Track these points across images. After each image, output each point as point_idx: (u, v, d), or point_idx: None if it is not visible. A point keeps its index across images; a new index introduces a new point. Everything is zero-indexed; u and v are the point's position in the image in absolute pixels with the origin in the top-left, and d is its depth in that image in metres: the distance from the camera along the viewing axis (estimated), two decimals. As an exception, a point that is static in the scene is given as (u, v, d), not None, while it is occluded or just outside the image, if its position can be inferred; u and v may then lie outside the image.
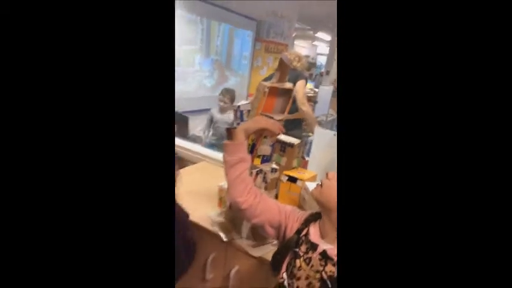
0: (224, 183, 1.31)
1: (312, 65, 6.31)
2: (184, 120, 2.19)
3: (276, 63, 4.83)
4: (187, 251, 1.18)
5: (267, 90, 1.13)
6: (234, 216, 1.20)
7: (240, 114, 1.50)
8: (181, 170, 1.68)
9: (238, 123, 1.51)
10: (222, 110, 2.90)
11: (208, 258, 1.22)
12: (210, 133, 2.88)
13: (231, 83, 4.32)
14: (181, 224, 1.12)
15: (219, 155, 1.92)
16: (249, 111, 1.51)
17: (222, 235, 1.17)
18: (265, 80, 1.42)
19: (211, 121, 2.85)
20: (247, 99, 3.03)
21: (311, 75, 6.70)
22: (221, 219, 1.26)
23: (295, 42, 4.40)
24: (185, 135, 2.18)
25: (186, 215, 1.13)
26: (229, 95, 2.88)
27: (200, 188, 1.52)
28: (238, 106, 1.50)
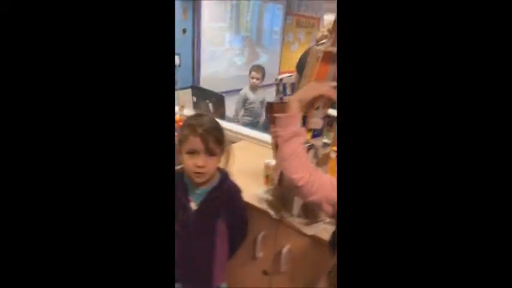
0: (270, 161, 1.26)
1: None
2: (221, 100, 2.15)
3: (308, 38, 4.62)
4: (239, 228, 1.15)
5: (320, 55, 1.04)
6: (283, 193, 1.15)
7: (282, 88, 1.43)
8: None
9: (280, 98, 1.45)
10: (254, 88, 2.83)
11: (258, 236, 1.18)
12: (242, 113, 2.82)
13: (262, 60, 4.22)
14: (234, 200, 1.09)
15: (258, 134, 1.88)
16: (292, 84, 1.43)
17: (272, 213, 1.13)
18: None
19: (244, 101, 2.79)
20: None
21: None
22: (269, 196, 1.21)
23: (325, 17, 4.19)
24: (223, 116, 2.15)
25: (238, 191, 1.10)
26: (261, 71, 2.79)
27: (243, 167, 1.48)
28: (281, 79, 1.42)
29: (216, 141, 0.99)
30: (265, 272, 1.24)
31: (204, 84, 3.39)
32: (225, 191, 1.06)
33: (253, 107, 2.82)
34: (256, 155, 1.65)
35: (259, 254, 1.21)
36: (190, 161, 1.00)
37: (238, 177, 1.37)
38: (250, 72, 2.80)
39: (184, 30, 3.37)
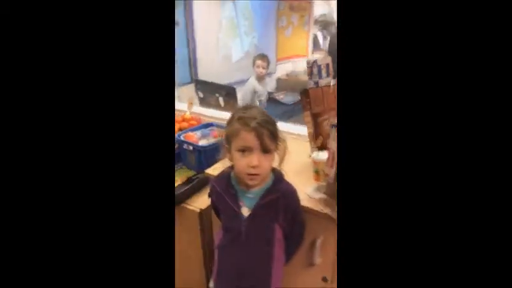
0: (317, 153, 1.11)
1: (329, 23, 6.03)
2: (232, 92, 1.98)
3: (301, 21, 4.45)
4: (296, 234, 1.01)
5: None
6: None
7: (318, 70, 1.28)
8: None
9: (316, 82, 1.29)
10: (260, 78, 2.66)
11: (317, 240, 1.03)
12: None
13: (258, 47, 4.03)
14: (290, 202, 0.94)
15: (285, 126, 1.73)
16: (327, 65, 1.27)
17: (331, 213, 0.98)
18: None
19: (253, 93, 2.62)
20: (276, 64, 2.79)
21: (325, 36, 6.40)
22: (322, 195, 1.06)
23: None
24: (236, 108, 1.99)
25: (295, 192, 0.95)
26: (266, 59, 2.63)
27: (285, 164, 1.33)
28: (314, 61, 1.26)
29: (271, 136, 0.84)
30: (324, 279, 1.10)
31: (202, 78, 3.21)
32: (281, 193, 0.91)
33: (261, 100, 2.66)
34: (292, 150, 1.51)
35: (318, 260, 1.06)
36: (243, 161, 0.85)
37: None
38: (254, 62, 2.63)
39: (176, 23, 3.17)
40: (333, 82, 1.27)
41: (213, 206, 1.07)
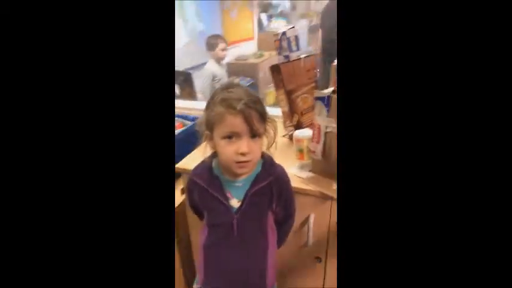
0: (299, 132, 1.05)
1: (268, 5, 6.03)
2: (188, 78, 1.84)
3: (245, 2, 4.34)
4: (288, 218, 0.94)
5: None
6: (331, 164, 0.96)
7: (287, 43, 1.20)
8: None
9: (286, 57, 1.22)
10: (219, 61, 2.53)
11: (310, 221, 0.99)
12: (209, 91, 2.53)
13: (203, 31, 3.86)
14: (283, 186, 0.87)
15: None
16: (296, 37, 1.21)
17: (326, 191, 0.94)
18: None
19: (212, 78, 2.49)
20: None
21: (270, 16, 6.44)
22: (308, 173, 1.01)
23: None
24: (193, 96, 1.85)
25: (286, 174, 0.87)
26: (225, 40, 2.51)
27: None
28: (284, 33, 1.19)
29: (261, 118, 0.75)
30: (318, 259, 1.06)
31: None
32: (274, 177, 0.84)
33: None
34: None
35: (311, 241, 1.02)
36: (230, 148, 0.75)
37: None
38: (213, 45, 2.49)
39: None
40: (303, 55, 1.21)
41: (192, 204, 0.95)
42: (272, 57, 4.19)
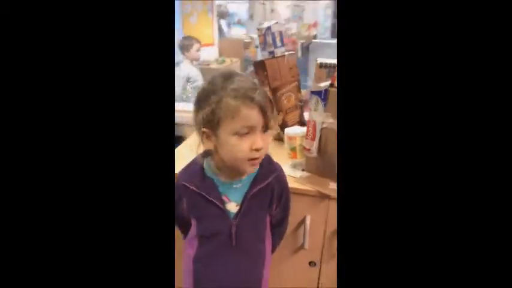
0: (290, 129, 1.00)
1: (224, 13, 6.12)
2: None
3: (204, 7, 4.35)
4: (283, 220, 0.88)
5: None
6: (326, 161, 0.92)
7: (272, 39, 1.15)
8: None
9: (271, 52, 1.17)
10: (195, 60, 2.46)
11: (306, 222, 0.93)
12: (190, 94, 2.41)
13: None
14: (282, 185, 0.80)
15: None
16: (280, 32, 1.16)
17: (324, 190, 0.89)
18: None
19: (187, 80, 2.38)
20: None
21: (229, 24, 6.49)
22: (302, 172, 0.96)
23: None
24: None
25: (283, 171, 0.81)
26: (196, 39, 2.44)
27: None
28: (268, 28, 1.14)
29: (272, 110, 0.69)
30: (312, 264, 1.00)
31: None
32: (275, 175, 0.77)
33: (197, 85, 2.46)
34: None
35: (307, 244, 0.96)
36: (243, 144, 0.67)
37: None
38: (187, 46, 2.40)
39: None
40: (287, 52, 1.17)
41: (180, 214, 0.80)
42: (233, 64, 4.17)
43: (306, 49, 4.21)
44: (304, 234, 0.94)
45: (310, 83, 1.31)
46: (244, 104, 0.64)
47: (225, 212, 0.74)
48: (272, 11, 5.37)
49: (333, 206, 0.92)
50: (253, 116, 0.65)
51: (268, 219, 0.81)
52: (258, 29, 1.15)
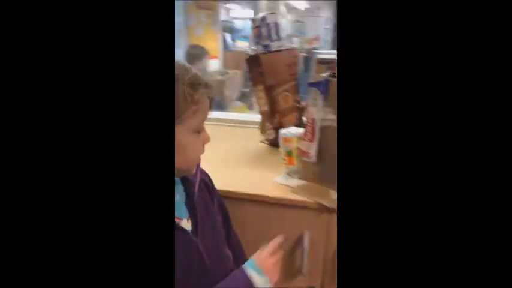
0: (287, 131, 0.86)
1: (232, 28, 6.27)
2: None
3: (209, 20, 4.37)
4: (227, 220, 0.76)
5: None
6: (323, 168, 0.77)
7: (267, 31, 1.03)
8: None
9: (266, 46, 1.05)
10: (204, 70, 2.42)
11: (304, 241, 0.78)
12: None
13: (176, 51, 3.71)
14: (207, 177, 0.72)
15: (222, 115, 1.50)
16: (276, 24, 1.04)
17: (322, 201, 0.74)
18: None
19: None
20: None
21: (233, 38, 6.63)
22: (298, 180, 0.82)
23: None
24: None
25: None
26: (205, 49, 2.46)
27: (232, 153, 1.06)
28: (263, 18, 1.02)
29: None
30: (311, 289, 0.85)
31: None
32: (199, 170, 0.66)
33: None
34: (231, 137, 1.27)
35: (305, 268, 0.80)
36: (199, 142, 0.58)
37: (233, 165, 0.96)
38: (200, 56, 2.43)
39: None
40: (284, 47, 1.04)
41: None
42: (236, 75, 4.14)
43: (307, 61, 4.23)
44: (301, 256, 0.79)
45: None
46: (205, 95, 0.55)
47: (185, 232, 0.59)
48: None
49: (334, 221, 0.77)
50: (208, 107, 0.57)
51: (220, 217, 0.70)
52: (253, 20, 1.03)
